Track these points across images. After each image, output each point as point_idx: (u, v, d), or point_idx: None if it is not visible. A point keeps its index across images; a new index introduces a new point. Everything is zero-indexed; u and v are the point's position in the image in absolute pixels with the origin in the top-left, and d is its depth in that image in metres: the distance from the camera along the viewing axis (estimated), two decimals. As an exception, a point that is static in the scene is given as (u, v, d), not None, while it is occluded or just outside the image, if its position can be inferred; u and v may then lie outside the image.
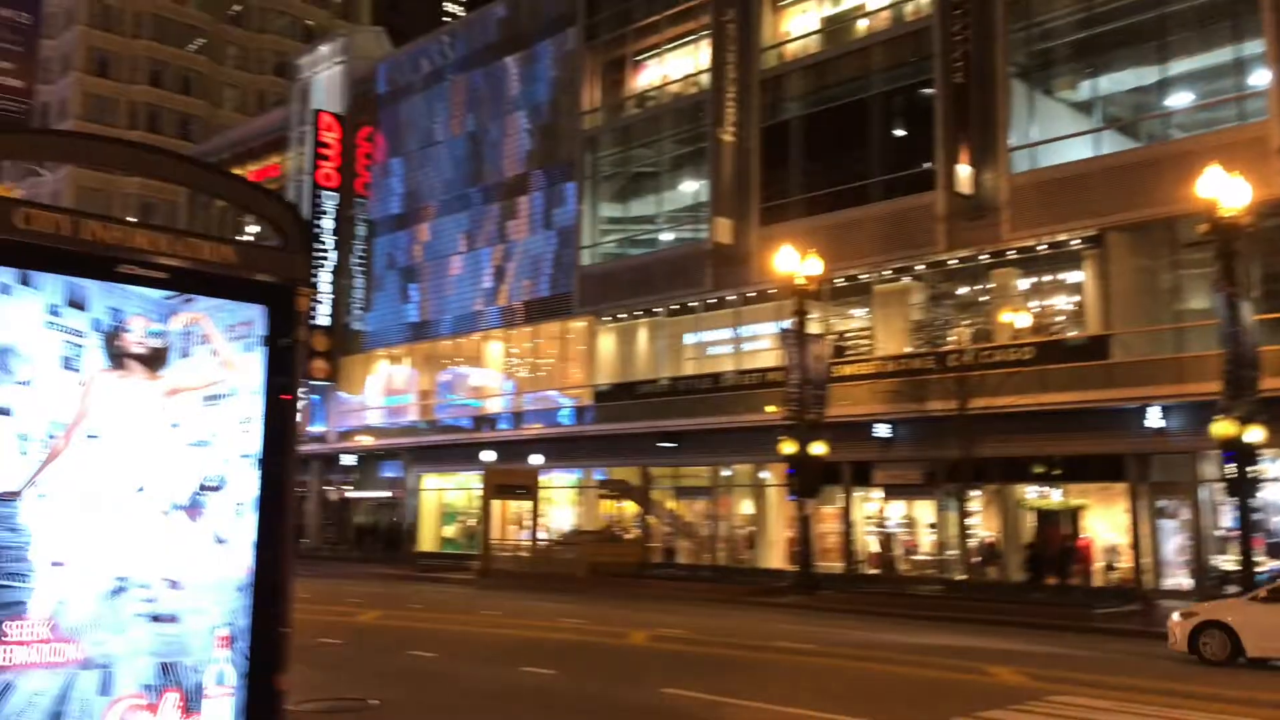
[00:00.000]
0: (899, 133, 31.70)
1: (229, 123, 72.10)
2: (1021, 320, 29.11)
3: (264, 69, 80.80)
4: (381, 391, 49.02)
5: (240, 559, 4.62)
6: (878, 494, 31.45)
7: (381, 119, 49.97)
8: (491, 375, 44.43)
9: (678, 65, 37.82)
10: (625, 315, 38.15)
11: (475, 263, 44.25)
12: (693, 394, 34.55)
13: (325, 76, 53.11)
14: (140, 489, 4.30)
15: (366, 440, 47.44)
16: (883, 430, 29.48)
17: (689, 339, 36.51)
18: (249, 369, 4.66)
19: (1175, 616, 17.09)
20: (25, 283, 4.04)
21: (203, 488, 4.52)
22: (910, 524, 31.50)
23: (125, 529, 4.26)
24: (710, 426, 33.13)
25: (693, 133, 35.96)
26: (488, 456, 40.50)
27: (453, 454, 43.45)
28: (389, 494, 47.64)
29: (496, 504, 37.81)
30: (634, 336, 38.41)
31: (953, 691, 13.25)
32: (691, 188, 36.57)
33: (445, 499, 46.17)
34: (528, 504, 37.54)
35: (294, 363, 4.81)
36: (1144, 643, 18.80)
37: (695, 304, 35.55)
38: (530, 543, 36.82)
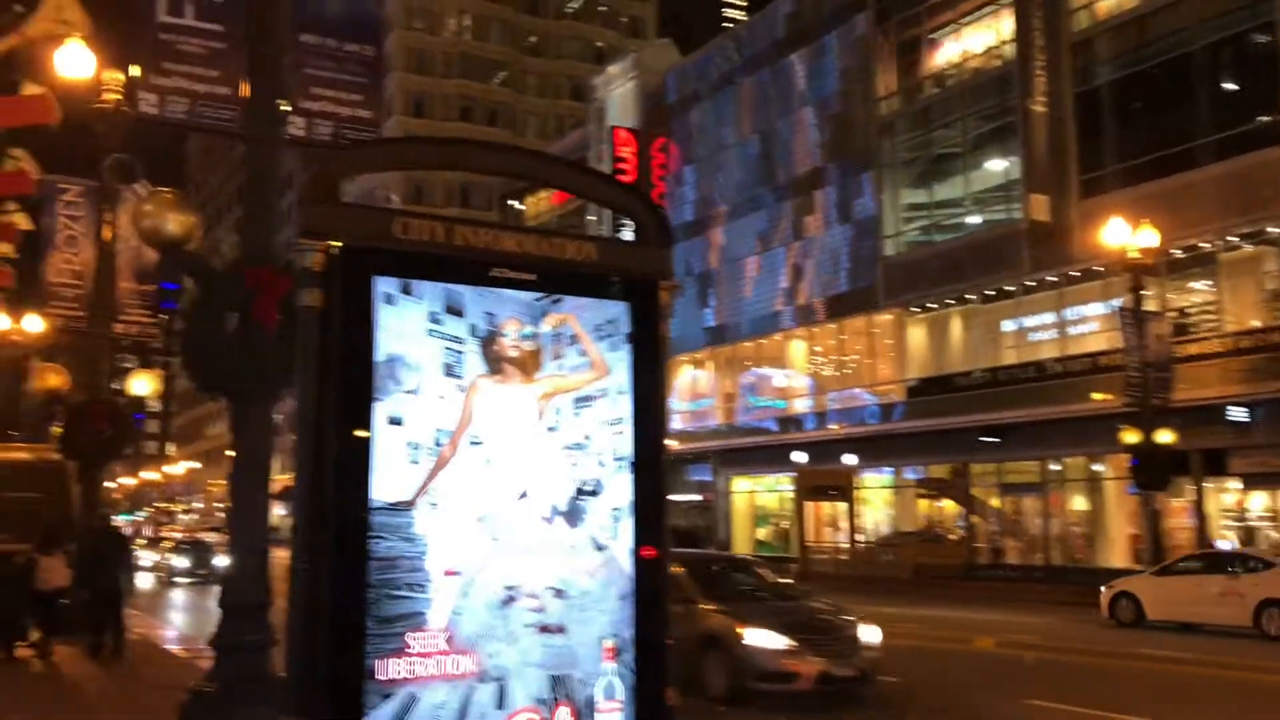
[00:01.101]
0: (1233, 86, 28.59)
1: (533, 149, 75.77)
2: (1405, 281, 25.43)
3: (561, 94, 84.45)
4: (686, 396, 49.71)
5: (621, 566, 4.44)
6: (1235, 484, 28.37)
7: (673, 129, 50.76)
8: (795, 375, 43.97)
9: (978, 38, 35.92)
10: (935, 305, 36.61)
11: (771, 263, 43.96)
12: (1015, 384, 32.56)
13: (619, 94, 54.63)
14: (523, 495, 4.21)
15: (674, 445, 48.25)
16: (1238, 413, 26.56)
17: (1007, 326, 34.48)
18: (616, 368, 4.48)
19: (1103, 588, 21.65)
20: (407, 292, 4.03)
21: (580, 493, 4.38)
22: (1276, 516, 28.24)
23: (511, 536, 4.17)
24: (1036, 418, 31.10)
25: (998, 107, 34.00)
26: (799, 458, 40.06)
27: (760, 456, 43.31)
28: (699, 497, 48.20)
29: (809, 506, 37.31)
30: (945, 327, 36.79)
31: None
32: (1000, 165, 34.57)
33: (756, 501, 46.14)
34: (842, 505, 36.81)
35: (661, 360, 4.60)
36: None
37: (1012, 288, 33.54)
38: (849, 545, 36.04)
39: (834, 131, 41.17)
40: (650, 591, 4.54)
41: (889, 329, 38.62)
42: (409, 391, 4.02)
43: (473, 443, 4.16)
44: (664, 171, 51.30)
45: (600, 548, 4.48)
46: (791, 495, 39.96)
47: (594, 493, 4.47)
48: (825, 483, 36.79)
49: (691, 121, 49.69)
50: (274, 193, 8.47)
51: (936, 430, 34.50)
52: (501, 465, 4.23)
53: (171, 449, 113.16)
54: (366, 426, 3.89)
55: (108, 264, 16.34)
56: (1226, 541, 26.28)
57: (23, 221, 25.93)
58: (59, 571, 13.90)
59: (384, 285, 4.03)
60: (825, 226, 41.28)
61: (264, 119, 8.16)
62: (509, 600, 4.19)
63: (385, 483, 3.90)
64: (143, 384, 16.79)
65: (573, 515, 4.39)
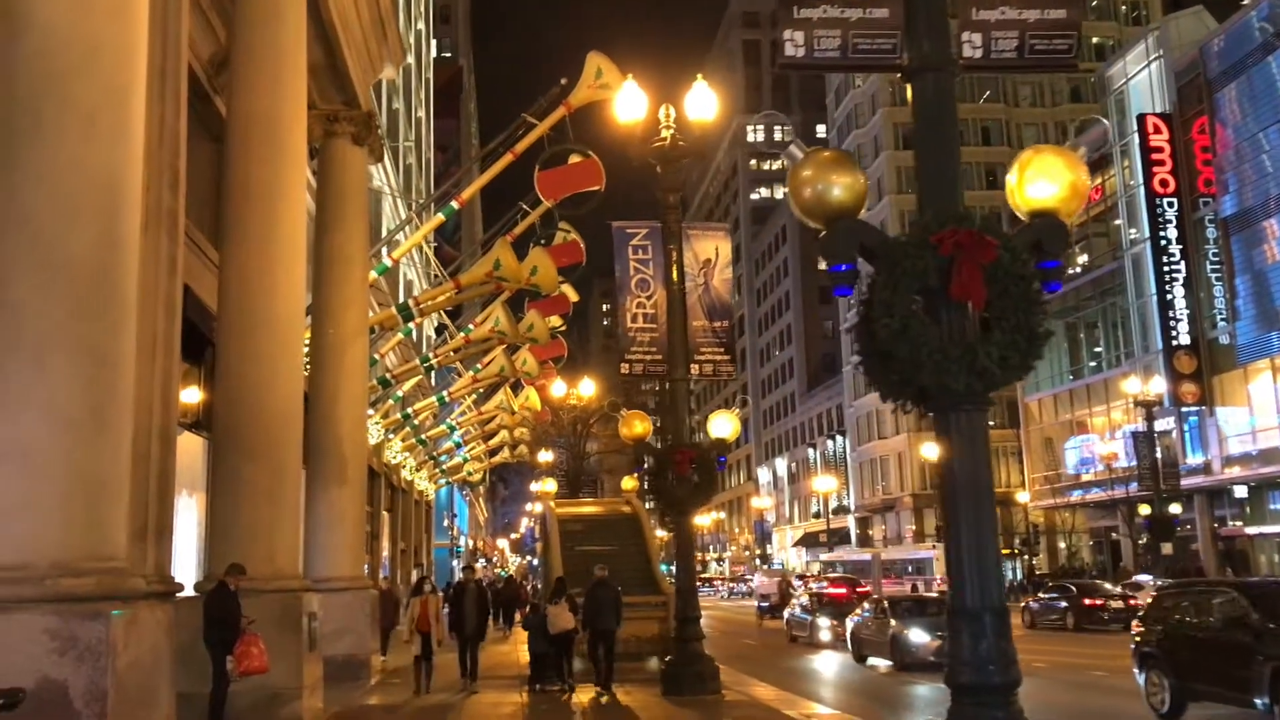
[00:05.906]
0: None
1: (1032, 161, 70.61)
2: None
3: (1059, 100, 78.78)
4: (1272, 409, 42.28)
5: None
6: None
7: (1217, 105, 44.03)
8: None
9: None
10: None
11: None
12: None
13: (1139, 80, 48.85)
14: None
15: (1263, 469, 41.04)
16: None
17: None
18: None
19: None
20: None
21: None
22: None
23: None
24: None
25: None
26: None
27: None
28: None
29: None
30: None
31: None
32: None
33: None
34: None
35: None
36: None
37: None
38: None
39: None
40: None
41: None
42: None
43: None
44: (1207, 155, 44.67)
45: None
46: None
47: None
48: None
49: (1237, 94, 42.78)
50: (953, 134, 6.63)
51: None
52: None
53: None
54: None
55: (678, 304, 15.68)
56: None
57: (571, 293, 26.99)
58: (564, 617, 15.94)
59: None
60: None
61: (933, 40, 6.37)
62: None
63: None
64: (723, 424, 15.92)
65: None
